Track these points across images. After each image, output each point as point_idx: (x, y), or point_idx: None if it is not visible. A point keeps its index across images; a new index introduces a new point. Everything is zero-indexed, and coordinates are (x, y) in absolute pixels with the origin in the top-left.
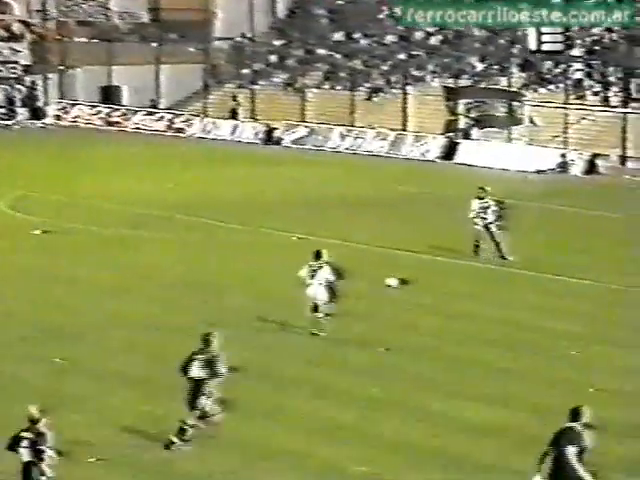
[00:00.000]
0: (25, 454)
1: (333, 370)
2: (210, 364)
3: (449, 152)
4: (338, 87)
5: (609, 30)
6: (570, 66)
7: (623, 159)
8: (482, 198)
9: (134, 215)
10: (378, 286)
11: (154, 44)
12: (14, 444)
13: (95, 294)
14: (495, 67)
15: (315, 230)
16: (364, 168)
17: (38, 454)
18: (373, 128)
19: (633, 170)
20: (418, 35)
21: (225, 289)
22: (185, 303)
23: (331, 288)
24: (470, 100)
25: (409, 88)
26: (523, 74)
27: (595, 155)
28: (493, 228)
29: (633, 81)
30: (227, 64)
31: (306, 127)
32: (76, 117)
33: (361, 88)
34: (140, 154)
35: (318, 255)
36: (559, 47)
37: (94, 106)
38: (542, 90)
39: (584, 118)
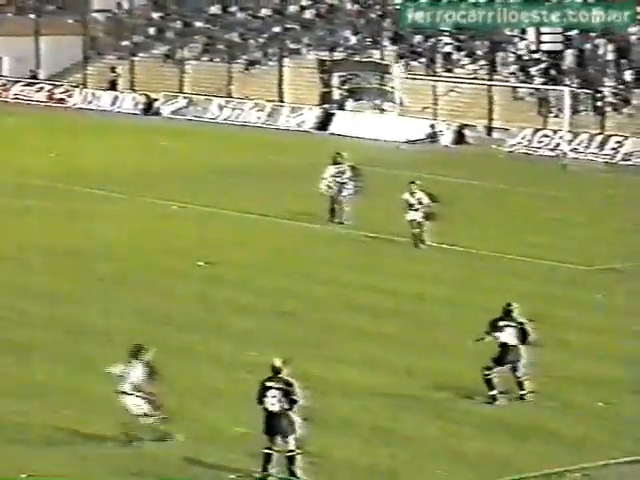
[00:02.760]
0: (274, 403)
1: (210, 335)
2: None
3: (324, 123)
4: (216, 59)
5: (475, 5)
6: (440, 40)
7: (489, 129)
8: (338, 163)
9: (14, 185)
10: (253, 253)
11: (32, 15)
12: (260, 396)
13: None
14: (368, 40)
15: (194, 199)
16: (242, 139)
17: (290, 403)
18: (250, 99)
19: (498, 140)
20: (292, 9)
21: (98, 256)
22: (56, 270)
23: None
24: (344, 73)
25: (285, 60)
26: (395, 47)
27: (463, 126)
28: (345, 193)
29: (498, 55)
30: (106, 36)
31: (185, 98)
32: None
33: (239, 60)
34: (21, 124)
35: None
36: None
37: None
38: (413, 63)
39: (452, 90)
